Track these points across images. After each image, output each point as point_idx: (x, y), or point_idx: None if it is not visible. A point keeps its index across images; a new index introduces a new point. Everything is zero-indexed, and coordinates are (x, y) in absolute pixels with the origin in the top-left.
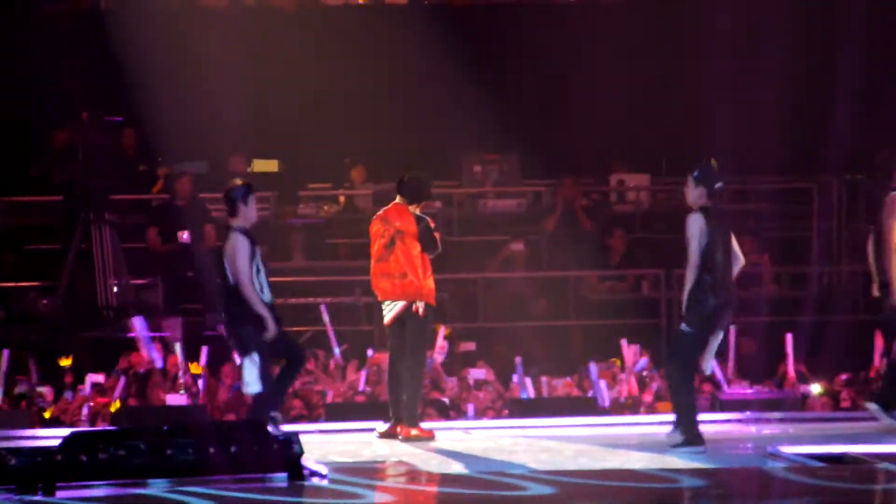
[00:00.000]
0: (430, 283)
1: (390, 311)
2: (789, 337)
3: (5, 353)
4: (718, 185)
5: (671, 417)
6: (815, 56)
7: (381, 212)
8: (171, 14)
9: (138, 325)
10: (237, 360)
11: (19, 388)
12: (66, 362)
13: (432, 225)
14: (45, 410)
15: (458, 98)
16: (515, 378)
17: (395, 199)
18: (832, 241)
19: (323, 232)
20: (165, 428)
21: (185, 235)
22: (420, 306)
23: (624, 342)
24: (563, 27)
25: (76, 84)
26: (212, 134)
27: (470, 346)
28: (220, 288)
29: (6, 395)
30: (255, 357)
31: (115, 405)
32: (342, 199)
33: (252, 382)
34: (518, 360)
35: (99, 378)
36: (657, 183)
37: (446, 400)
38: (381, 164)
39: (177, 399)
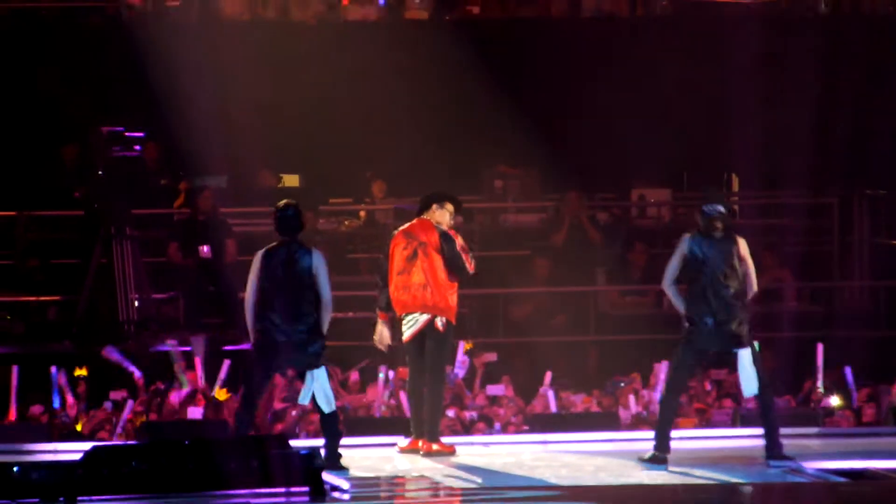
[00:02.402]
0: (453, 299)
1: (410, 326)
2: (820, 348)
3: (14, 368)
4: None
5: (691, 433)
6: (838, 71)
7: (403, 227)
8: (193, 27)
9: (112, 353)
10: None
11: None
12: (80, 372)
13: (459, 243)
14: (67, 425)
15: (480, 112)
16: (547, 393)
17: (418, 215)
18: (854, 257)
19: (344, 247)
20: (187, 442)
21: (205, 250)
22: (441, 322)
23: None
24: (586, 41)
25: (97, 97)
26: (233, 148)
27: (491, 356)
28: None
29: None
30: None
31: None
32: (363, 213)
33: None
34: (548, 375)
35: (122, 394)
36: (678, 198)
37: (473, 414)
38: (402, 179)
39: (197, 412)
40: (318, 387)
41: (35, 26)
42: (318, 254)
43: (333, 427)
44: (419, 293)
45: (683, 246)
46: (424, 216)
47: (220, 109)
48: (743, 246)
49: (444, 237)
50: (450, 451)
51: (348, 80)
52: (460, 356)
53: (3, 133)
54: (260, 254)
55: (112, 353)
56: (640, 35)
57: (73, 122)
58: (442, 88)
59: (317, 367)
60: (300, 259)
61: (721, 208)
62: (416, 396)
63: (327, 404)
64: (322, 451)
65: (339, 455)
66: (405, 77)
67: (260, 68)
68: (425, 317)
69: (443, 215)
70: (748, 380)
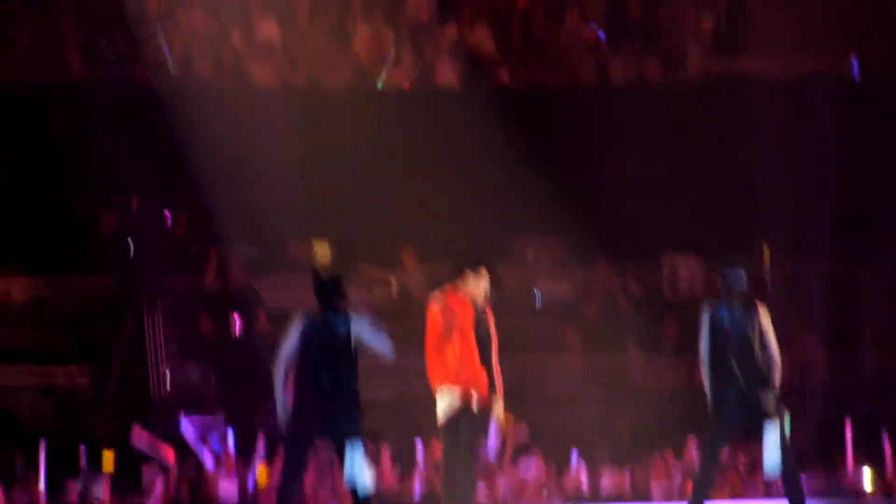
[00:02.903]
0: (486, 375)
1: (446, 402)
2: (848, 423)
3: (42, 443)
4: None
5: None
6: (869, 139)
7: (440, 296)
8: (223, 95)
9: (186, 426)
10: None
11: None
12: (109, 456)
13: (492, 321)
14: None
15: (511, 181)
16: (579, 467)
17: (451, 282)
18: (884, 328)
19: (375, 316)
20: None
21: (236, 320)
22: (476, 398)
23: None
24: (618, 110)
25: (128, 166)
26: (264, 217)
27: (522, 428)
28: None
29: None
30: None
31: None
32: (394, 282)
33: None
34: (573, 453)
35: (154, 471)
36: (710, 268)
37: (504, 488)
38: (434, 248)
39: (230, 488)
40: (357, 461)
41: (67, 96)
42: (357, 318)
43: None
44: (454, 369)
45: (706, 315)
46: (459, 283)
47: (250, 177)
48: (764, 313)
49: (479, 315)
50: None
51: (379, 146)
52: (493, 430)
53: (35, 201)
54: (298, 317)
55: (141, 440)
56: (669, 103)
57: (105, 191)
58: (473, 156)
59: (355, 439)
60: (338, 326)
61: (743, 274)
62: (450, 474)
63: (363, 483)
64: None
65: None
66: (436, 144)
67: (290, 135)
68: (461, 395)
69: (477, 283)
70: (771, 458)
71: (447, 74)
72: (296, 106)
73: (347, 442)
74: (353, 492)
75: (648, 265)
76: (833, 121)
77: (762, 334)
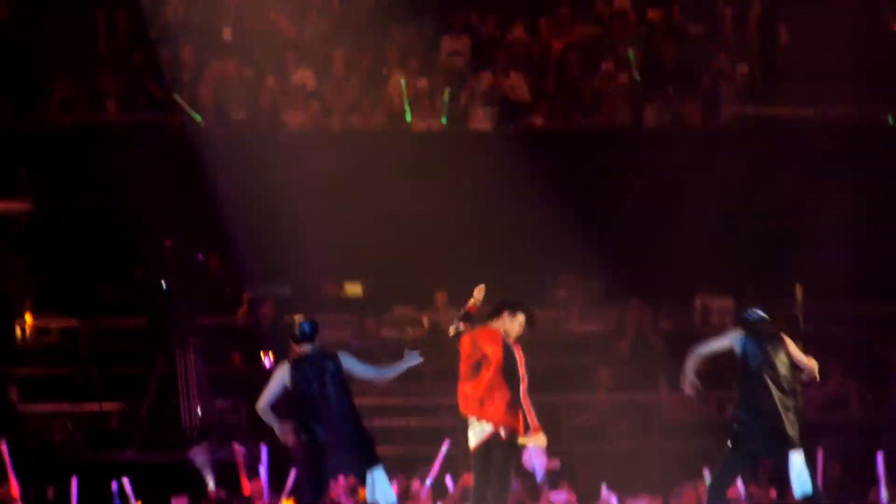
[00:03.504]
0: (514, 409)
1: (477, 434)
2: (880, 457)
3: (74, 480)
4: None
5: None
6: None
7: (473, 331)
8: (258, 138)
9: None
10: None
11: None
12: None
13: (521, 359)
14: None
15: (543, 221)
16: (610, 500)
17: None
18: None
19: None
20: None
21: (269, 358)
22: (505, 432)
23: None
24: (648, 152)
25: (162, 209)
26: (296, 257)
27: (554, 463)
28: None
29: None
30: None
31: None
32: (426, 322)
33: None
34: (603, 488)
35: (183, 502)
36: (742, 306)
37: None
38: (466, 288)
39: None
40: (379, 489)
41: (102, 140)
42: (341, 355)
43: None
44: (478, 405)
45: (729, 339)
46: (494, 323)
47: (283, 219)
48: (792, 344)
49: (508, 353)
50: None
51: (411, 189)
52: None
53: (70, 243)
54: (287, 366)
55: (198, 455)
56: (703, 147)
57: (140, 233)
58: (505, 198)
59: (374, 464)
60: (327, 365)
61: (760, 312)
62: (481, 499)
63: None
64: None
65: None
66: (469, 187)
67: (323, 178)
68: (490, 426)
69: (512, 324)
70: (800, 480)
71: (481, 119)
72: (329, 149)
73: (368, 473)
74: None
75: (680, 304)
76: (865, 165)
77: (793, 365)
